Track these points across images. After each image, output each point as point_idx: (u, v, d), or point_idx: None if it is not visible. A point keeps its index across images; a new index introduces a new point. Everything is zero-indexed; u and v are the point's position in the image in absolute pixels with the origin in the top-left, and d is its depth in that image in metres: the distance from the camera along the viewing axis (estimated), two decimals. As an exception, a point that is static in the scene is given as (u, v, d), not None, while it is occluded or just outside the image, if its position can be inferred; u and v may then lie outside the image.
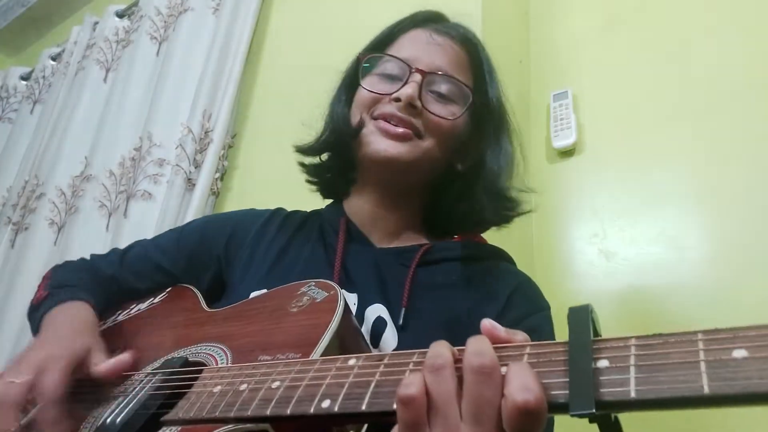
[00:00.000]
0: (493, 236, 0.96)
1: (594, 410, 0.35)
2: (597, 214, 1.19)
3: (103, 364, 0.68)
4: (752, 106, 1.10)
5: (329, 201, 0.92)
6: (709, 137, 1.12)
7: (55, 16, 2.74)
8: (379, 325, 0.71)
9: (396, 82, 0.79)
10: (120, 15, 2.10)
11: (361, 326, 0.69)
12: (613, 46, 1.33)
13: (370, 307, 0.72)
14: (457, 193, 0.82)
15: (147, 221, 1.51)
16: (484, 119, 0.83)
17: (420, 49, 0.81)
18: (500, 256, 0.84)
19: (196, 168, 1.53)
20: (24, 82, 2.53)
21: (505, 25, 1.38)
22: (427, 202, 0.85)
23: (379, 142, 0.77)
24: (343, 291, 0.62)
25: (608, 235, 1.16)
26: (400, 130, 0.76)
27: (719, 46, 1.18)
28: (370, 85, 0.81)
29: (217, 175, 1.55)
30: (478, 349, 0.40)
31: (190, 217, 1.45)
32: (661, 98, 1.21)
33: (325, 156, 0.90)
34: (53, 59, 2.41)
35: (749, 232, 1.02)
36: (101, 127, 1.82)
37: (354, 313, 0.67)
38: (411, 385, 0.40)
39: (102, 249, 1.55)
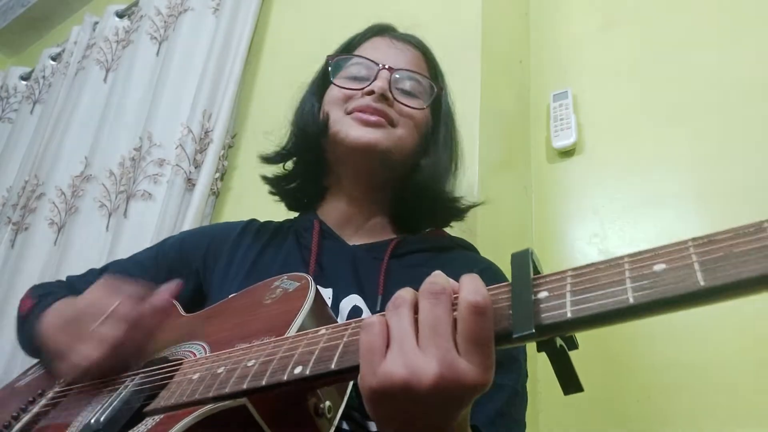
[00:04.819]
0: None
1: (533, 331, 0.39)
2: (597, 214, 1.19)
3: (154, 296, 0.69)
4: (752, 106, 1.10)
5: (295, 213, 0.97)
6: (709, 137, 1.12)
7: (55, 16, 2.74)
8: (354, 314, 0.74)
9: (364, 81, 0.85)
10: (120, 15, 2.10)
11: (336, 318, 0.71)
12: (613, 46, 1.33)
13: (344, 299, 0.76)
14: (415, 189, 0.88)
15: (147, 221, 1.51)
16: (440, 117, 0.91)
17: (383, 51, 0.89)
18: (465, 246, 0.91)
19: (196, 168, 1.53)
20: (24, 82, 2.53)
21: (505, 25, 1.38)
22: (393, 197, 0.89)
23: (356, 130, 0.82)
24: (318, 285, 0.64)
25: (608, 235, 1.16)
26: (374, 118, 0.82)
27: (719, 45, 1.18)
28: (341, 84, 0.87)
29: (217, 175, 1.55)
30: (431, 279, 0.46)
31: (190, 217, 1.45)
32: (661, 98, 1.21)
33: (290, 165, 0.94)
34: (53, 59, 2.41)
35: (749, 232, 1.02)
36: (101, 127, 1.82)
37: (329, 306, 0.71)
38: (372, 316, 0.46)
39: (102, 249, 1.57)
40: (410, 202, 0.88)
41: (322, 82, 0.92)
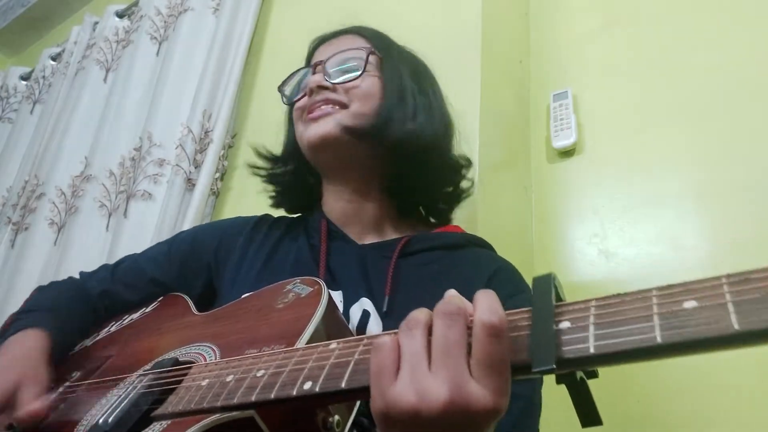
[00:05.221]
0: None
1: (554, 366, 0.37)
2: (597, 214, 1.19)
3: (24, 408, 0.69)
4: (752, 106, 1.10)
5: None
6: (709, 137, 1.12)
7: (55, 16, 2.74)
8: (364, 319, 0.73)
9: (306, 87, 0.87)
10: (120, 15, 2.10)
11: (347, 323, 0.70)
12: (613, 46, 1.33)
13: (355, 304, 0.75)
14: (410, 163, 0.85)
15: (147, 221, 1.51)
16: (391, 78, 0.87)
17: (319, 54, 0.91)
18: (479, 243, 0.88)
19: (196, 168, 1.53)
20: (24, 82, 2.53)
21: (505, 25, 1.38)
22: (391, 186, 0.87)
23: (307, 131, 0.84)
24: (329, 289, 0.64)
25: (608, 235, 1.16)
26: (318, 111, 0.83)
27: (719, 45, 1.18)
28: (293, 100, 0.90)
29: (217, 175, 1.55)
30: (446, 299, 0.44)
31: (190, 217, 1.45)
32: (661, 98, 1.21)
33: (295, 194, 0.96)
34: (53, 59, 2.41)
35: (749, 232, 1.02)
36: (101, 127, 1.82)
37: (341, 312, 0.69)
38: (384, 336, 0.45)
39: (102, 249, 1.57)
40: (403, 170, 0.86)
41: (289, 109, 0.95)
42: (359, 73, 0.85)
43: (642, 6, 1.33)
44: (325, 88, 0.84)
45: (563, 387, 0.41)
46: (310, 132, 0.83)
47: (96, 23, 2.19)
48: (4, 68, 2.73)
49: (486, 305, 0.41)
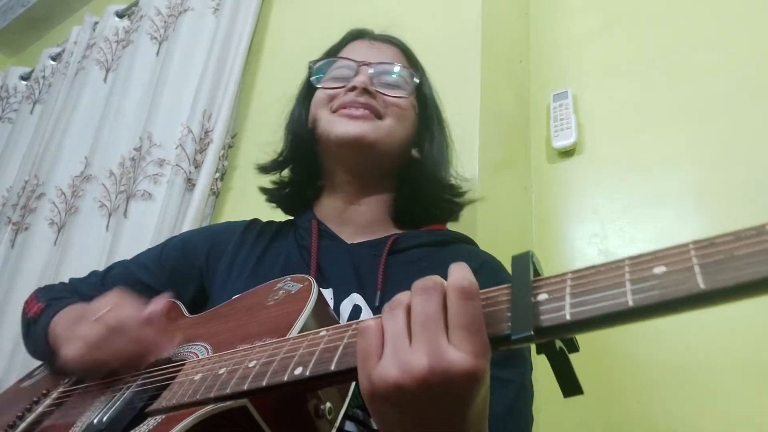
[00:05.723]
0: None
1: (532, 333, 0.39)
2: (597, 214, 1.19)
3: (148, 309, 0.69)
4: (752, 106, 1.10)
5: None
6: (709, 137, 1.12)
7: (55, 16, 2.74)
8: (355, 314, 0.74)
9: (346, 80, 0.88)
10: (120, 15, 2.10)
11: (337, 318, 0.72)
12: (613, 46, 1.33)
13: (345, 300, 0.76)
14: (412, 185, 0.89)
15: (147, 221, 1.51)
16: (424, 106, 0.93)
17: (362, 51, 0.92)
18: (464, 239, 0.91)
19: (196, 168, 1.53)
20: (24, 82, 2.53)
21: (505, 25, 1.38)
22: (391, 196, 0.90)
23: (343, 125, 0.84)
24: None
25: (608, 235, 1.16)
26: (360, 111, 0.84)
27: (719, 45, 1.18)
28: (324, 86, 0.90)
29: (217, 175, 1.55)
30: (424, 278, 0.46)
31: (190, 217, 1.45)
32: (661, 98, 1.21)
33: (286, 172, 0.96)
34: (53, 59, 2.41)
35: (749, 232, 1.02)
36: (101, 127, 1.82)
37: (331, 307, 0.71)
38: (368, 320, 0.46)
39: (102, 249, 1.57)
40: (410, 196, 0.89)
41: (308, 88, 0.95)
42: (406, 93, 0.89)
43: (642, 6, 1.33)
44: (369, 92, 0.85)
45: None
46: (347, 127, 0.84)
47: (96, 23, 2.19)
48: (4, 68, 2.73)
49: (458, 274, 0.44)
